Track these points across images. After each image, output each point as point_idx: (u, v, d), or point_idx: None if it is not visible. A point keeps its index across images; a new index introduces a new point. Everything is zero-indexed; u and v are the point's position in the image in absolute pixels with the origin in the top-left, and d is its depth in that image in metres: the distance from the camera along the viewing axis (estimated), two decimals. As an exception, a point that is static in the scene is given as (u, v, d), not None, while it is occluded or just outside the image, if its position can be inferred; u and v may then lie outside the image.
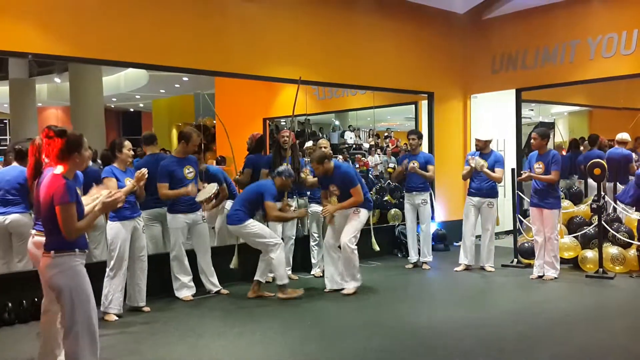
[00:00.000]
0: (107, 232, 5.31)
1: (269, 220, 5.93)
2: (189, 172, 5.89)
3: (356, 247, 5.94)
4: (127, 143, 5.40)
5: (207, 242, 6.17)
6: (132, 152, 5.40)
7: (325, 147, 7.26)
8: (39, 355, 3.86)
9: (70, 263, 3.29)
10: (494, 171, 6.95)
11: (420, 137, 7.51)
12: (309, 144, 8.49)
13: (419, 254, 7.49)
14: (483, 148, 7.11)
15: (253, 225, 5.77)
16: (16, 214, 5.67)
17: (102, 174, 5.33)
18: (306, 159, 7.64)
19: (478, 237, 7.28)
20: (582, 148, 10.45)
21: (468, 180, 7.20)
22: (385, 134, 13.26)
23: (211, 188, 6.00)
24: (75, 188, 3.31)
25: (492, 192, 7.08)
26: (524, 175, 6.66)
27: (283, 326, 4.99)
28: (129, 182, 5.17)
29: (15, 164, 5.83)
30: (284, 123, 12.03)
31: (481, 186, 7.06)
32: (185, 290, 5.96)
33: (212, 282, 6.14)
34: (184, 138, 5.94)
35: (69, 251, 3.30)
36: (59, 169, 3.30)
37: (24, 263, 5.49)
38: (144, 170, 5.10)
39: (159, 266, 6.05)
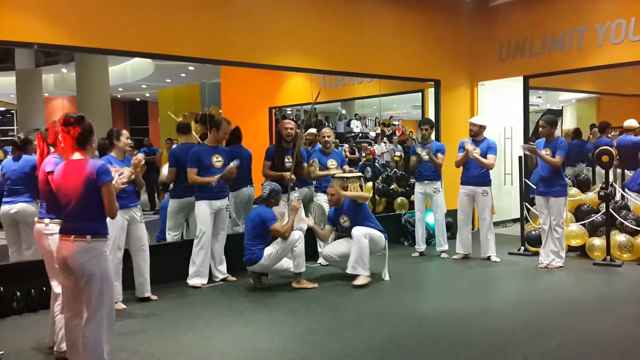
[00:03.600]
0: None
1: (285, 239, 5.82)
2: (217, 160, 5.95)
3: (367, 240, 5.96)
4: (125, 132, 5.33)
5: (225, 230, 6.22)
6: (130, 142, 5.34)
7: (329, 137, 7.26)
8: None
9: (103, 248, 3.36)
10: (486, 158, 6.90)
11: (432, 126, 7.54)
12: (312, 130, 8.46)
13: (436, 244, 7.50)
14: (477, 133, 7.05)
15: (269, 253, 5.79)
16: (22, 203, 5.78)
17: None
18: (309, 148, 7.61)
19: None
20: (590, 135, 10.42)
21: (461, 168, 7.14)
22: (389, 122, 13.22)
23: (233, 164, 6.01)
24: None
25: (484, 180, 7.01)
26: (530, 145, 6.57)
27: (289, 316, 5.01)
28: (126, 171, 5.15)
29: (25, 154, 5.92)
30: (290, 112, 12.03)
31: (473, 174, 7.00)
32: (198, 278, 6.00)
33: (219, 269, 6.21)
34: (214, 125, 6.04)
35: (104, 237, 3.36)
36: (77, 156, 3.31)
37: (33, 251, 5.54)
38: (140, 156, 5.03)
39: (169, 254, 6.15)
